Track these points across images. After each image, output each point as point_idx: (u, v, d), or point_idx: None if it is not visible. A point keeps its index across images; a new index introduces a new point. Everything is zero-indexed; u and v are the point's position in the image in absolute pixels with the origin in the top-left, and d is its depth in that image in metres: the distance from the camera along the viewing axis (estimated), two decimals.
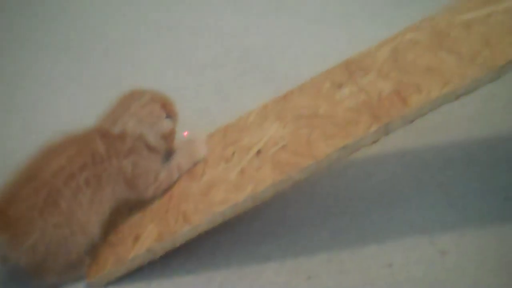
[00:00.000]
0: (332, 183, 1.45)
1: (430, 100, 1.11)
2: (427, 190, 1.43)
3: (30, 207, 1.11)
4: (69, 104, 1.80)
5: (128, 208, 1.26)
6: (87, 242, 1.18)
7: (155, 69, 2.01)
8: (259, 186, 1.13)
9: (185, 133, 1.36)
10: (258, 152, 1.21)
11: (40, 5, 2.42)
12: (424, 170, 1.50)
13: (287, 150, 1.18)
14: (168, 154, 1.33)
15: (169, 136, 1.29)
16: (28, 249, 1.11)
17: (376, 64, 1.27)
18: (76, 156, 1.16)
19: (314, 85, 1.31)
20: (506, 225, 1.33)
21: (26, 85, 1.90)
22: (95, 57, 2.02)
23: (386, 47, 1.30)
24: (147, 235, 1.17)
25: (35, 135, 1.63)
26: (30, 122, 1.71)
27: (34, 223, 1.11)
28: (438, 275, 1.21)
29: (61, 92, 1.85)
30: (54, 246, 1.13)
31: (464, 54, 1.17)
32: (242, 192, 1.14)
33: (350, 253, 1.26)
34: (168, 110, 1.28)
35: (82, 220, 1.15)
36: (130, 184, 1.21)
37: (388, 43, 1.31)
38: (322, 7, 2.32)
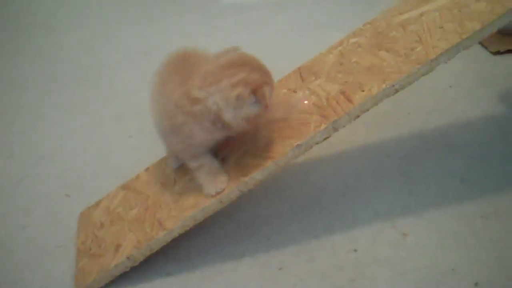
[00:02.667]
0: (302, 180, 1.56)
1: (371, 96, 1.22)
2: (390, 179, 1.54)
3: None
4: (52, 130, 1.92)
5: None
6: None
7: (133, 93, 2.11)
8: (224, 189, 1.24)
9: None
10: (223, 158, 1.32)
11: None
12: (386, 161, 1.60)
13: (249, 154, 1.28)
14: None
15: (253, 120, 1.19)
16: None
17: (325, 68, 1.37)
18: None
19: None
20: (462, 205, 1.43)
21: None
22: (78, 85, 2.14)
23: (334, 52, 1.41)
24: (127, 244, 1.27)
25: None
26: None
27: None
28: (401, 255, 1.31)
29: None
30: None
31: (401, 52, 1.28)
32: (209, 196, 1.25)
33: (318, 243, 1.36)
34: (258, 96, 1.16)
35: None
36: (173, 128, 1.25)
37: (335, 48, 1.42)
38: (290, 19, 2.45)
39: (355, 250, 1.33)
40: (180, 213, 1.25)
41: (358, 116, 1.24)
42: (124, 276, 1.29)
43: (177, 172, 1.37)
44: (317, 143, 1.24)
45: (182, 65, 1.25)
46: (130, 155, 1.71)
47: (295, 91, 1.37)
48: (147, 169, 1.46)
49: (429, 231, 1.36)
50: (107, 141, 1.80)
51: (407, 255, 1.31)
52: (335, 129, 1.23)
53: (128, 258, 1.25)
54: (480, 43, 2.11)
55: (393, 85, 1.22)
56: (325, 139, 1.24)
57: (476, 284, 1.21)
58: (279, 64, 1.80)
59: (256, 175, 1.23)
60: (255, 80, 1.17)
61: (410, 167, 1.57)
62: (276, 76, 1.51)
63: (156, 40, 2.44)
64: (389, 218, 1.41)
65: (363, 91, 1.24)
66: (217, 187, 1.25)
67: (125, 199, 1.40)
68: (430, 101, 1.85)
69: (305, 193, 1.51)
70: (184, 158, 1.29)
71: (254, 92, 1.16)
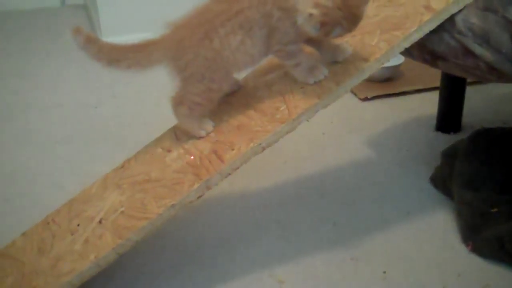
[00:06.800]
0: (182, 234, 1.59)
1: (240, 155, 1.29)
2: (266, 228, 1.60)
3: (193, 34, 1.32)
4: None
5: None
6: (229, 78, 1.40)
7: (7, 147, 2.08)
8: (101, 252, 1.25)
9: None
10: (100, 220, 1.33)
11: None
12: (263, 210, 1.67)
13: (124, 215, 1.31)
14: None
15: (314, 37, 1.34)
16: (181, 65, 1.34)
17: None
18: (235, 2, 1.31)
19: (148, 152, 1.46)
20: (335, 249, 1.52)
21: None
22: None
23: None
24: None
25: None
26: None
27: (192, 47, 1.32)
28: None
29: None
30: (199, 73, 1.34)
31: (267, 111, 1.36)
32: (86, 261, 1.25)
33: None
34: (324, 29, 1.25)
35: (228, 59, 1.33)
36: (270, 32, 1.33)
37: None
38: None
39: None
40: (57, 279, 1.25)
41: (229, 174, 1.30)
42: None
43: (54, 236, 1.37)
44: (191, 202, 1.29)
45: None
46: (5, 220, 1.67)
47: (169, 150, 1.42)
48: (23, 234, 1.44)
49: (304, 277, 1.43)
50: None
51: None
52: (208, 188, 1.29)
53: None
54: (350, 90, 2.26)
55: (260, 144, 1.29)
56: (199, 197, 1.29)
57: None
58: (156, 121, 1.86)
59: (133, 237, 1.26)
60: (333, 15, 1.23)
61: (286, 215, 1.64)
62: (152, 134, 1.56)
63: (33, 95, 2.42)
64: (266, 267, 1.46)
65: (233, 149, 1.31)
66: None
67: (1, 267, 1.37)
68: (304, 148, 1.96)
69: (186, 248, 1.54)
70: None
71: (322, 23, 1.23)
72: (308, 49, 1.42)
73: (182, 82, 1.38)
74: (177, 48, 1.34)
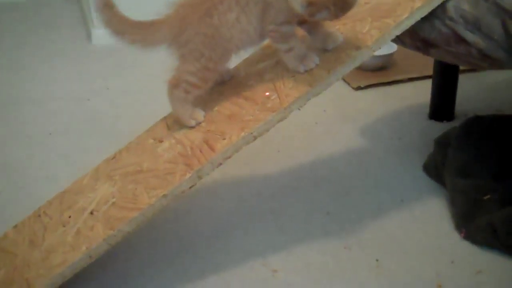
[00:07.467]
0: (176, 225, 1.59)
1: (232, 144, 1.28)
2: (260, 217, 1.60)
3: (195, 12, 1.34)
4: None
5: None
6: (226, 57, 1.39)
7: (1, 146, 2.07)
8: (92, 243, 1.25)
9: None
10: (92, 212, 1.33)
11: None
12: (256, 200, 1.67)
13: (116, 206, 1.30)
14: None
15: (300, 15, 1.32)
16: (181, 42, 1.36)
17: None
18: None
19: (139, 142, 1.45)
20: (329, 238, 1.52)
21: None
22: None
23: None
24: None
25: None
26: None
27: (193, 24, 1.34)
28: None
29: None
30: (198, 50, 1.35)
31: (258, 100, 1.36)
32: (77, 252, 1.25)
33: None
34: (310, 8, 1.23)
35: (226, 36, 1.34)
36: (264, 9, 1.33)
37: None
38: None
39: None
40: (48, 271, 1.24)
41: (221, 164, 1.30)
42: None
43: (46, 229, 1.36)
44: (183, 192, 1.28)
45: None
46: None
47: (161, 141, 1.41)
48: (15, 226, 1.43)
49: (297, 266, 1.43)
50: None
51: None
52: (200, 177, 1.28)
53: None
54: (343, 79, 2.25)
55: (251, 133, 1.29)
56: (191, 187, 1.29)
57: None
58: (148, 113, 1.85)
59: (124, 228, 1.25)
60: None
61: (279, 205, 1.64)
62: (145, 126, 1.55)
63: (26, 87, 2.40)
64: (260, 256, 1.46)
65: (224, 139, 1.30)
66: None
67: None
68: (297, 138, 1.96)
69: (179, 239, 1.53)
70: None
71: (310, 3, 1.22)
72: (301, 33, 1.41)
73: (181, 59, 1.38)
74: (179, 25, 1.35)
